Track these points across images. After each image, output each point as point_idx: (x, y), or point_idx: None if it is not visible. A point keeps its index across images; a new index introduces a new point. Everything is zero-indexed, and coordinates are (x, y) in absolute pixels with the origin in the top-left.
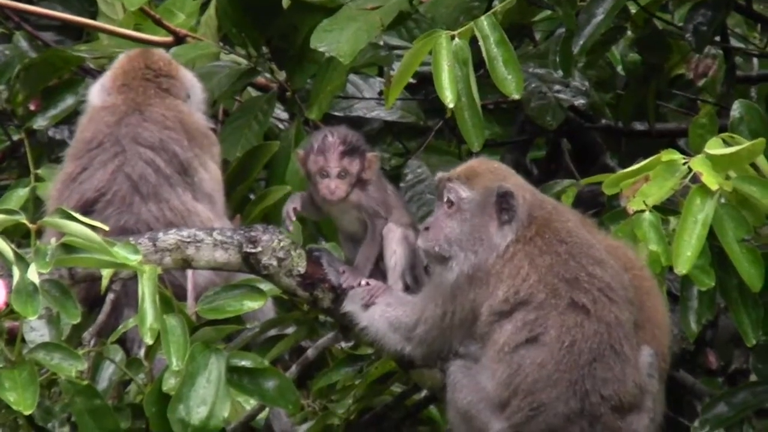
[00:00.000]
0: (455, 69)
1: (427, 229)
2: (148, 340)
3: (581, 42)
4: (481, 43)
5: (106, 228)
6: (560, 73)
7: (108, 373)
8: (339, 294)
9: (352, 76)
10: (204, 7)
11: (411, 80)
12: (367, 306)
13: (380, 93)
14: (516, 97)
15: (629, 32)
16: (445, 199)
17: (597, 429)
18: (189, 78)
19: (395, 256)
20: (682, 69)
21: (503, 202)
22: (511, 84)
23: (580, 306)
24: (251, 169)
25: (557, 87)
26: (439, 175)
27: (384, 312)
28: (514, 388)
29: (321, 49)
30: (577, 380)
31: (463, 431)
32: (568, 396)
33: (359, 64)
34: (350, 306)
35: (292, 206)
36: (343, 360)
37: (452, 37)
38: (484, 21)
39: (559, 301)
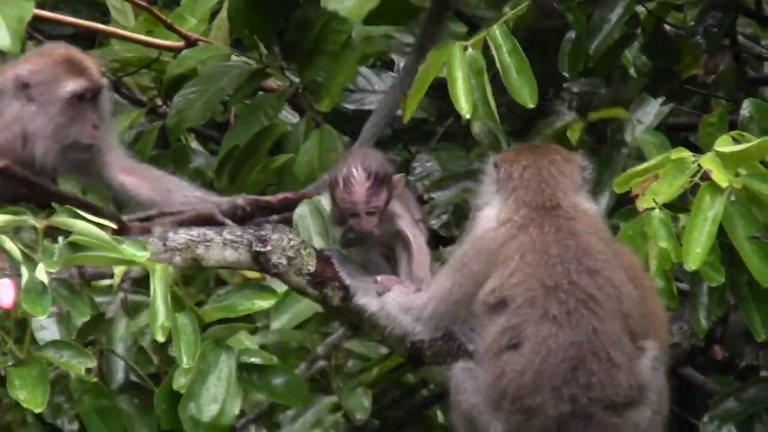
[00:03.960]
0: (470, 79)
1: None
2: (160, 338)
3: (594, 45)
4: (494, 52)
5: (114, 226)
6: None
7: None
8: (349, 292)
9: (364, 69)
10: (215, 14)
11: None
12: (380, 295)
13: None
14: (531, 106)
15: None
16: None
17: (592, 428)
18: None
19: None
20: (694, 70)
21: (497, 172)
22: (525, 93)
23: (551, 318)
24: (257, 151)
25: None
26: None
27: (396, 297)
28: (502, 391)
29: (330, 8)
30: (560, 387)
31: None
32: (555, 400)
33: (370, 52)
34: (363, 298)
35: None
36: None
37: (465, 48)
38: (496, 30)
39: (534, 310)
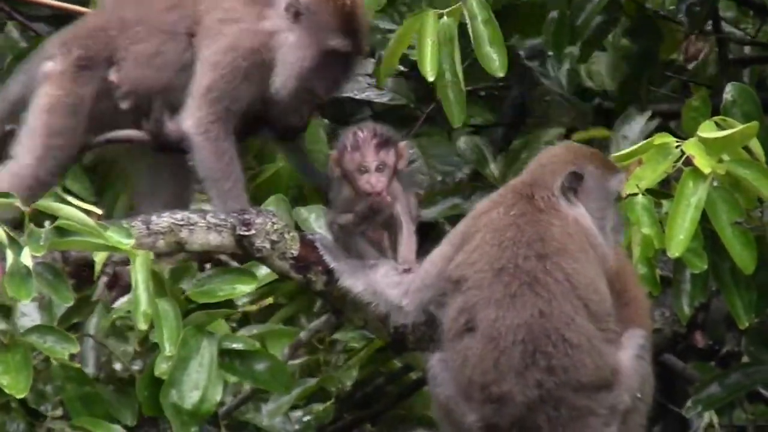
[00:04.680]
0: (440, 47)
1: None
2: (142, 326)
3: (581, 19)
4: (468, 22)
5: (100, 212)
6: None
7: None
8: (333, 276)
9: None
10: None
11: (403, 68)
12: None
13: (370, 75)
14: (500, 74)
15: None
16: None
17: (563, 412)
18: None
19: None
20: (674, 54)
21: None
22: (495, 62)
23: (495, 301)
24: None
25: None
26: None
27: (385, 273)
28: (468, 379)
29: None
30: (523, 372)
31: (446, 425)
32: (522, 387)
33: None
34: (349, 279)
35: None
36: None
37: (441, 16)
38: (473, 1)
39: (481, 293)
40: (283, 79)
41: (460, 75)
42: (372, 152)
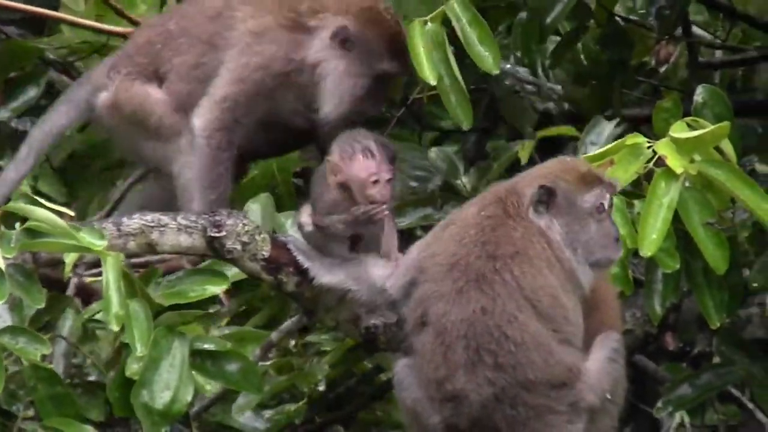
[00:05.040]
0: (433, 52)
1: None
2: (114, 327)
3: (550, 18)
4: (455, 24)
5: (72, 213)
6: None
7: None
8: (305, 277)
9: None
10: None
11: None
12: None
13: None
14: (495, 72)
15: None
16: None
17: (520, 410)
18: None
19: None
20: (646, 58)
21: None
22: (488, 60)
23: (442, 295)
24: None
25: (530, 88)
26: None
27: (369, 262)
28: (426, 376)
29: None
30: (473, 369)
31: (414, 429)
32: (474, 385)
33: None
34: (326, 276)
35: (306, 216)
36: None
37: (425, 23)
38: (454, 3)
39: (434, 286)
40: (334, 104)
41: (459, 76)
42: (386, 164)
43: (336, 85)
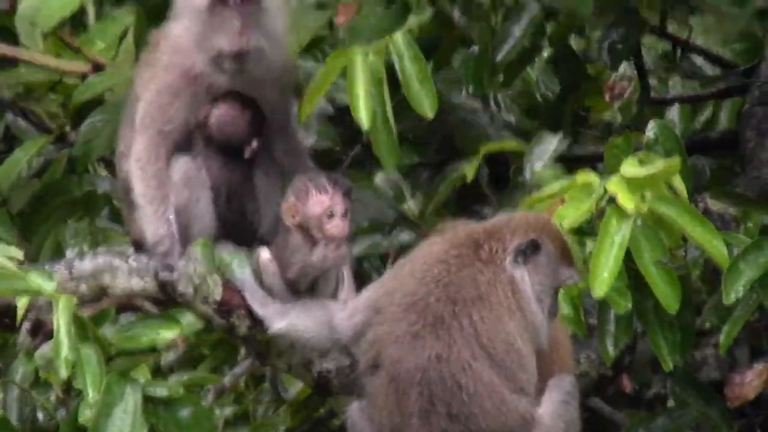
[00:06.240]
0: (370, 89)
1: None
2: (64, 373)
3: (500, 56)
4: (395, 60)
5: (20, 255)
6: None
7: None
8: (257, 321)
9: None
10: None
11: (330, 110)
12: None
13: None
14: (430, 116)
15: (545, 53)
16: None
17: None
18: None
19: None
20: (600, 99)
21: None
22: (425, 104)
23: (397, 338)
24: None
25: (484, 119)
26: None
27: (323, 304)
28: (379, 422)
29: None
30: (425, 417)
31: None
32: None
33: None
34: (280, 322)
35: (267, 257)
36: None
37: (366, 54)
38: (399, 38)
39: (389, 327)
40: (192, 60)
41: (391, 119)
42: (339, 197)
43: (182, 40)
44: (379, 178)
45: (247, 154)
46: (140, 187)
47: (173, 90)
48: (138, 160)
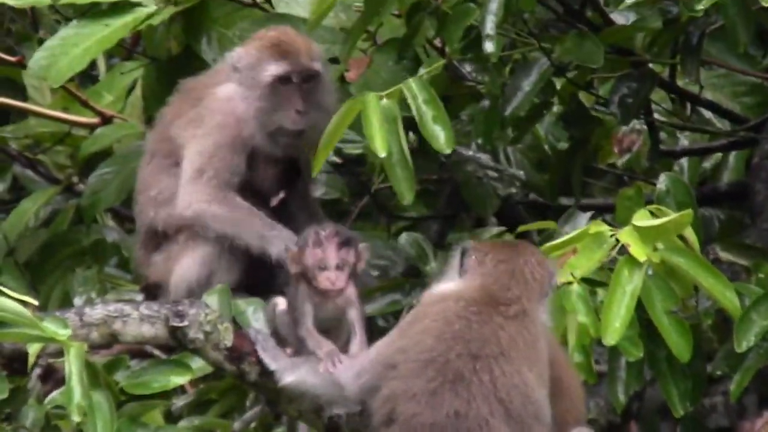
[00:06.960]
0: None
1: None
2: (76, 418)
3: (509, 110)
4: (410, 102)
5: (36, 302)
6: (503, 163)
7: None
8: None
9: None
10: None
11: (337, 160)
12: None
13: None
14: (447, 151)
15: (554, 108)
16: None
17: None
18: None
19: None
20: (608, 147)
21: (467, 257)
22: (441, 139)
23: (415, 395)
24: None
25: (493, 174)
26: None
27: (334, 359)
28: None
29: None
30: None
31: None
32: None
33: None
34: (290, 377)
35: (283, 308)
36: None
37: (381, 98)
38: (412, 82)
39: (404, 384)
40: (249, 131)
41: (407, 152)
42: (333, 250)
43: (240, 111)
44: (403, 238)
45: (273, 203)
46: (223, 212)
47: (232, 149)
48: (208, 201)
